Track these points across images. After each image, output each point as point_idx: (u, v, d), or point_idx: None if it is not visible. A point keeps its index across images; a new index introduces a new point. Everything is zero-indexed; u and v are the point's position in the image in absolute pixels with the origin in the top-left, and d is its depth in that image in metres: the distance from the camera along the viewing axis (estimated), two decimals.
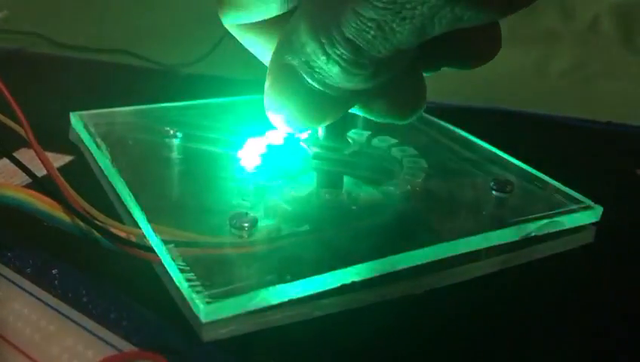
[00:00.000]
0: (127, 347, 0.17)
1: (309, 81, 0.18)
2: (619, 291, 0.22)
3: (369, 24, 0.16)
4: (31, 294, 0.19)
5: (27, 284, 0.19)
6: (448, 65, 0.21)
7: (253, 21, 0.20)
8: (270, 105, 0.19)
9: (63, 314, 0.18)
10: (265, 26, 0.20)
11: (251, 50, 0.21)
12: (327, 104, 0.19)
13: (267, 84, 0.19)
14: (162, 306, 0.19)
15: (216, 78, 0.42)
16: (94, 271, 0.20)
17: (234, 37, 0.21)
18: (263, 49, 0.21)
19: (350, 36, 0.17)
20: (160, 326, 0.18)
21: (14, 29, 0.53)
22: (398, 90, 0.20)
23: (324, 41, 0.17)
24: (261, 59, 0.21)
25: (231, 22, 0.20)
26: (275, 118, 0.20)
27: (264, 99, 0.19)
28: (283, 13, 0.19)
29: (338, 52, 0.17)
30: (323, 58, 0.17)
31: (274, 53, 0.19)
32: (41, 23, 0.53)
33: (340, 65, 0.17)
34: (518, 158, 0.28)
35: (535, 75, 0.48)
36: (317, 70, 0.18)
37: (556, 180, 0.26)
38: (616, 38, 0.53)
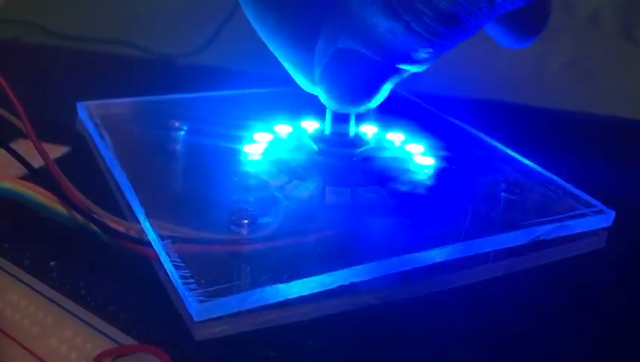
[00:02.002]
0: (125, 340, 0.17)
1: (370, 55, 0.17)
2: (631, 298, 0.21)
3: None
4: (29, 286, 0.19)
5: (25, 276, 0.19)
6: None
7: None
8: (329, 88, 0.19)
9: (61, 307, 0.18)
10: None
11: None
12: (384, 77, 0.18)
13: (321, 68, 0.19)
14: (161, 299, 0.18)
15: (215, 68, 0.42)
16: (92, 264, 0.20)
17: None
18: None
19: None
20: (159, 319, 0.18)
21: (10, 19, 0.52)
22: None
23: (407, 18, 0.16)
24: None
25: None
26: (332, 99, 0.19)
27: (320, 83, 0.19)
28: None
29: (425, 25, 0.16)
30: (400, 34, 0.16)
31: (325, 40, 0.18)
32: (37, 13, 0.53)
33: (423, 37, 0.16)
34: (515, 151, 0.27)
35: (536, 68, 0.48)
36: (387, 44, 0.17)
37: (554, 174, 0.25)
38: (616, 32, 0.53)
